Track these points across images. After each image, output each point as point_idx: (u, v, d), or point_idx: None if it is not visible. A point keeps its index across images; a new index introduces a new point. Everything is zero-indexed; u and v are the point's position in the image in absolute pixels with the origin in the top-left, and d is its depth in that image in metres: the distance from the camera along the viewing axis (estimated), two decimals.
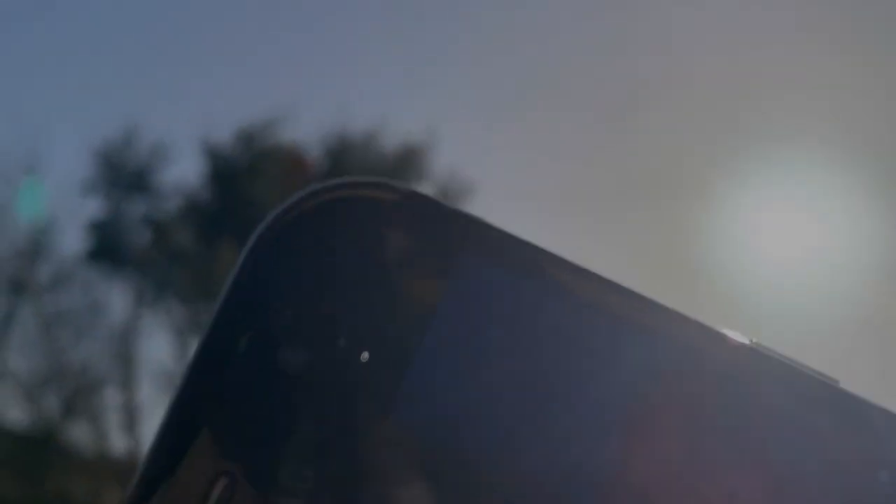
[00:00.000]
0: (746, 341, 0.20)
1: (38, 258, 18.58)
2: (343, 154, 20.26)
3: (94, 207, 19.85)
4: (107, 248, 19.70)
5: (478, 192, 22.58)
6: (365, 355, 0.19)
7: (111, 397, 18.71)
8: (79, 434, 20.60)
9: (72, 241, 20.39)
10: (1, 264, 19.03)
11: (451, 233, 0.22)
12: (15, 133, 20.48)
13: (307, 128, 21.43)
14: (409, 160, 20.82)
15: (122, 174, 19.60)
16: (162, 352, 22.84)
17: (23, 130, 19.54)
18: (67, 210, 19.62)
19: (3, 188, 19.64)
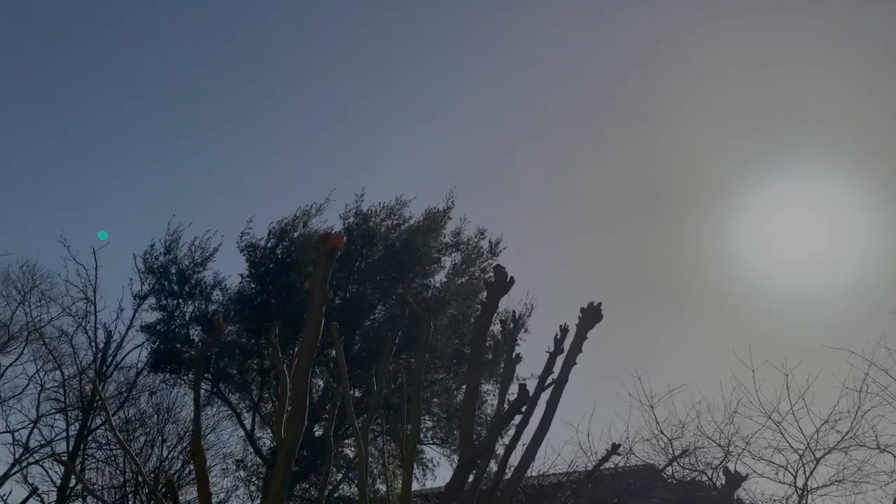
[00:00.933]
0: None
1: (105, 376, 19.59)
2: (369, 230, 21.01)
3: (149, 317, 20.89)
4: (165, 353, 20.58)
5: (504, 242, 23.02)
6: None
7: (192, 494, 19.29)
8: None
9: (133, 351, 21.34)
10: (70, 384, 20.04)
11: None
12: (70, 265, 21.74)
13: (336, 212, 22.41)
14: (433, 226, 21.54)
15: (169, 281, 20.64)
16: (230, 441, 23.31)
17: (78, 259, 20.77)
18: (125, 324, 20.64)
19: (67, 319, 20.72)
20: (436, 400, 20.80)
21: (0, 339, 20.26)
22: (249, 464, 21.94)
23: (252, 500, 21.90)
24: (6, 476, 19.49)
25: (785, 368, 11.60)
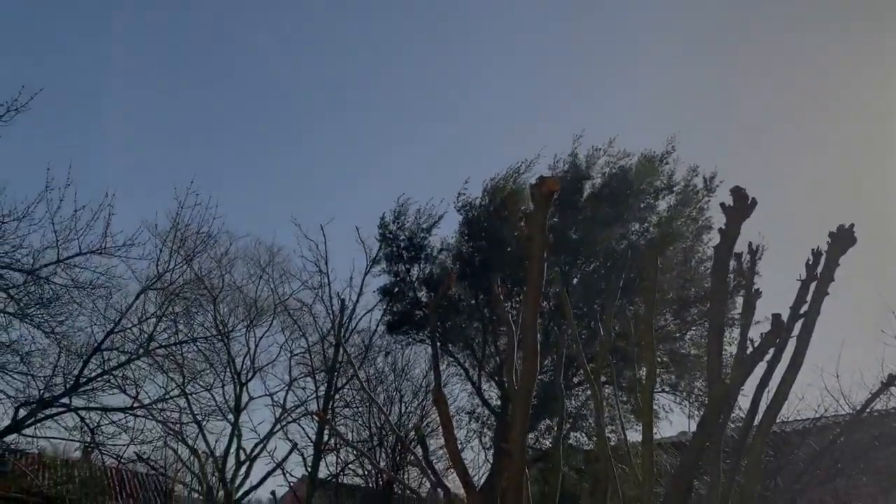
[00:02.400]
0: None
1: (344, 339, 21.15)
2: (581, 176, 20.57)
3: (380, 282, 22.26)
4: (398, 315, 21.74)
5: (721, 182, 21.62)
6: None
7: (432, 444, 20.39)
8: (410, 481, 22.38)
9: (365, 316, 22.81)
10: (315, 350, 21.84)
11: None
12: (304, 242, 23.71)
13: (545, 168, 22.37)
14: (648, 168, 20.69)
15: (398, 247, 21.84)
16: (461, 396, 24.43)
17: (309, 236, 22.59)
18: (356, 291, 22.10)
19: (305, 291, 22.47)
20: (661, 346, 20.11)
21: (252, 314, 22.59)
22: (478, 416, 22.82)
23: (485, 450, 22.80)
24: (271, 434, 21.88)
25: None
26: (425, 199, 26.96)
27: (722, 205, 3.35)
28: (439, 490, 4.90)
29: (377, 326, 22.30)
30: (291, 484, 22.33)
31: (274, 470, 21.49)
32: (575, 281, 20.03)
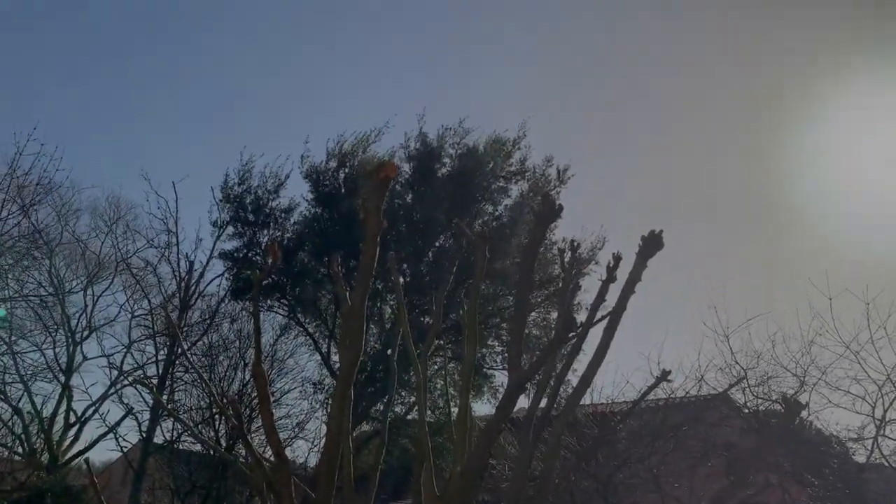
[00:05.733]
0: None
1: (189, 304, 20.42)
2: (432, 156, 20.71)
3: (228, 245, 21.47)
4: (244, 282, 21.12)
5: (573, 176, 22.54)
6: None
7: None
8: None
9: (214, 280, 22.03)
10: (158, 313, 20.99)
11: None
12: (152, 198, 22.62)
13: (397, 137, 22.40)
14: (497, 149, 21.12)
15: (244, 210, 21.10)
16: (308, 365, 24.23)
17: (159, 192, 21.51)
18: (206, 254, 21.33)
19: (151, 250, 21.39)
20: (505, 325, 20.93)
21: (91, 269, 21.38)
22: (326, 387, 22.81)
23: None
24: (104, 397, 20.91)
25: (866, 297, 11.09)
26: (272, 155, 26.13)
27: (531, 208, 3.63)
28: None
29: (225, 293, 21.71)
30: (124, 449, 21.50)
31: (106, 434, 20.62)
32: (425, 260, 20.37)
